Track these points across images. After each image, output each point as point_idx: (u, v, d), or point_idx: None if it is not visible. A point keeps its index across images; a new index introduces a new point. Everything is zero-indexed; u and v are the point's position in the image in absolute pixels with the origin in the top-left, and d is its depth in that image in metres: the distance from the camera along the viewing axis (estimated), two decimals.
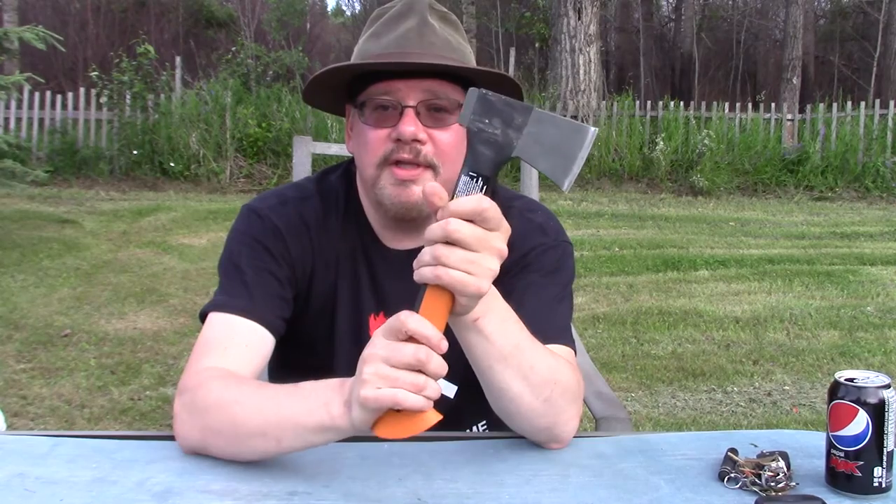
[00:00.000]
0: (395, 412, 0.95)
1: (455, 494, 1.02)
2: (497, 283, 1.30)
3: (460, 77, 1.26)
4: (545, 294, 1.28)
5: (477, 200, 0.93)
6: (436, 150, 1.23)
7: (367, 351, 0.96)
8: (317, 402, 1.01)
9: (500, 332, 1.06)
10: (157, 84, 10.83)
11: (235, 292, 1.24)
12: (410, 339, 0.94)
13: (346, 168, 1.39)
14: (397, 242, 1.33)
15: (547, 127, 0.95)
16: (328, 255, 1.32)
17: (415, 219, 1.27)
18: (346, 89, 1.30)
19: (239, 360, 1.18)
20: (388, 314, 1.30)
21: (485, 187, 0.95)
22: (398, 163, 1.22)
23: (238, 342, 1.20)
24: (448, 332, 1.31)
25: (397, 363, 0.93)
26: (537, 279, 1.28)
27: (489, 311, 1.03)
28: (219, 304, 1.24)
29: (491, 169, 0.96)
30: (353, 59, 1.29)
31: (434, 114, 1.23)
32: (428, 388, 0.93)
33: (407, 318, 0.94)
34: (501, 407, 1.12)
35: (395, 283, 1.32)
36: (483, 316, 1.03)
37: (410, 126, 1.20)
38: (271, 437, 1.05)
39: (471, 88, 0.97)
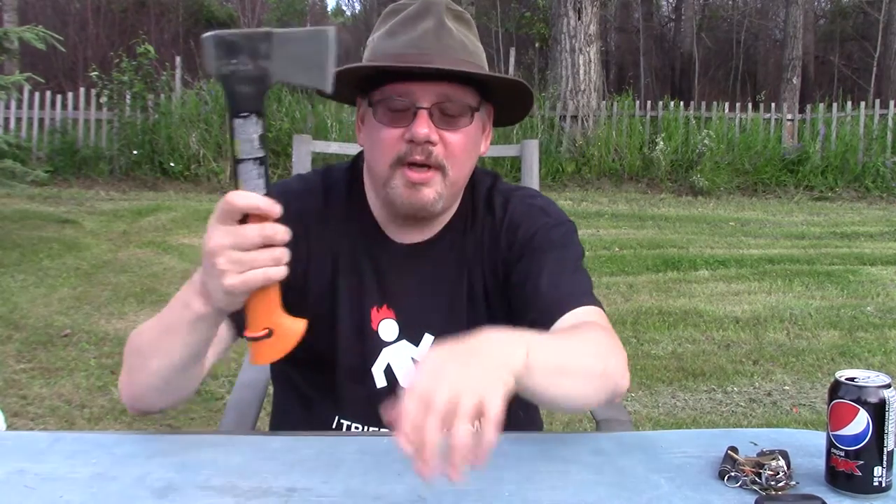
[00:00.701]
0: (260, 340, 0.99)
1: (455, 491, 1.02)
2: (510, 269, 1.32)
3: (474, 80, 1.27)
4: (560, 267, 1.29)
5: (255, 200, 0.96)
6: (446, 152, 1.24)
7: (212, 243, 0.96)
8: (178, 306, 1.05)
9: (544, 378, 0.99)
10: (157, 84, 10.83)
11: None
12: (244, 219, 0.95)
13: (352, 164, 1.41)
14: (402, 236, 1.34)
15: (291, 45, 0.96)
16: (327, 248, 1.33)
17: (424, 218, 1.30)
18: (359, 83, 1.31)
19: None
20: (391, 306, 1.33)
21: (259, 120, 0.96)
22: (410, 164, 1.24)
23: None
24: (453, 321, 1.32)
25: (249, 246, 0.95)
26: (549, 257, 1.30)
27: (532, 368, 0.96)
28: None
29: (257, 103, 0.96)
30: (368, 56, 1.30)
31: (447, 116, 1.24)
32: (284, 257, 0.97)
33: (235, 198, 0.95)
34: (567, 410, 1.13)
35: (399, 276, 1.33)
36: (527, 374, 0.95)
37: (424, 128, 1.21)
38: (163, 353, 1.10)
39: (203, 36, 0.96)
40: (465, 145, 1.26)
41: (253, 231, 0.95)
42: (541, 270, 1.28)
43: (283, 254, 0.97)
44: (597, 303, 1.27)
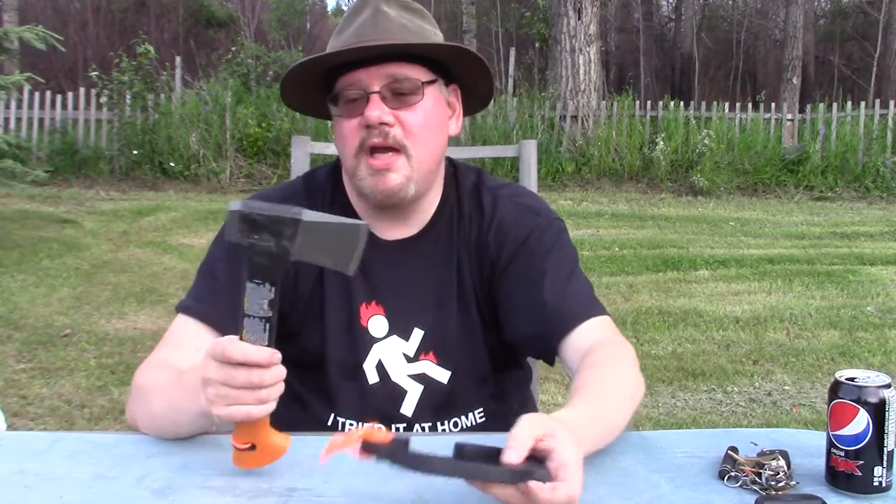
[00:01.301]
0: (243, 451, 1.03)
1: (456, 492, 1.02)
2: (497, 272, 1.34)
3: (425, 57, 1.29)
4: (559, 275, 1.31)
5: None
6: (405, 132, 1.26)
7: (205, 373, 1.00)
8: (191, 393, 1.06)
9: (597, 443, 1.08)
10: (157, 84, 10.83)
11: (204, 298, 1.30)
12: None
13: (335, 164, 1.42)
14: (387, 232, 1.35)
15: (318, 233, 0.96)
16: None
17: (396, 205, 1.31)
18: (326, 90, 1.33)
19: (188, 359, 1.24)
20: (380, 302, 1.34)
21: (272, 288, 0.97)
22: (372, 151, 1.26)
23: (191, 345, 1.26)
24: (442, 315, 1.33)
25: (236, 386, 0.98)
26: (547, 264, 1.31)
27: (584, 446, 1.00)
28: (186, 307, 1.31)
29: (273, 274, 0.97)
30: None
31: (398, 96, 1.26)
32: (271, 398, 1.00)
33: (231, 351, 0.97)
34: None
35: (386, 272, 1.34)
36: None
37: (375, 110, 1.24)
38: (171, 421, 1.14)
39: (230, 209, 0.96)
40: (423, 122, 1.27)
41: (241, 375, 0.98)
42: (541, 283, 1.29)
43: (270, 394, 1.00)
44: (601, 309, 1.30)
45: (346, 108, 1.27)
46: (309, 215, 0.94)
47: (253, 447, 1.03)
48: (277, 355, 0.99)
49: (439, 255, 1.36)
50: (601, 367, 1.17)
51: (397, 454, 0.88)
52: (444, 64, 1.32)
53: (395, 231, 1.35)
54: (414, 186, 1.28)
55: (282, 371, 1.00)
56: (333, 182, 1.40)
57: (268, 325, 0.98)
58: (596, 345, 1.23)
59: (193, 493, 1.01)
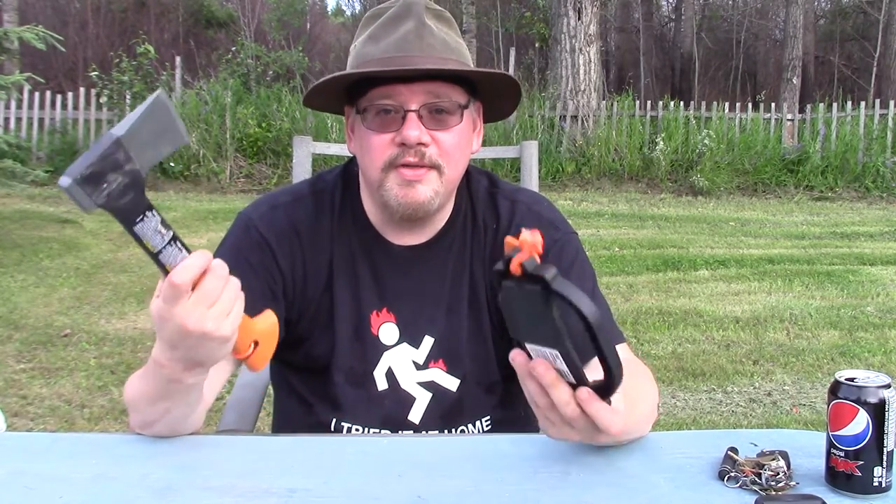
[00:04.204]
0: (252, 355, 1.06)
1: (455, 492, 1.02)
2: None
3: (460, 77, 1.26)
4: None
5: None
6: (440, 151, 1.23)
7: (191, 323, 0.96)
8: (164, 382, 1.06)
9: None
10: (157, 84, 10.83)
11: None
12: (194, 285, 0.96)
13: (344, 168, 1.40)
14: (400, 238, 1.34)
15: (140, 132, 0.94)
16: (322, 257, 1.32)
17: (421, 218, 1.29)
18: (346, 92, 1.30)
19: None
20: (391, 309, 1.32)
21: (153, 213, 0.96)
22: (404, 165, 1.23)
23: None
24: (452, 323, 1.32)
25: (218, 297, 0.97)
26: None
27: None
28: None
29: (142, 202, 0.96)
30: (351, 62, 1.28)
31: (436, 116, 1.23)
32: (239, 283, 0.99)
33: (178, 278, 0.95)
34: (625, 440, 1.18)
35: (398, 279, 1.33)
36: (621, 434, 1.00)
37: (414, 130, 1.20)
38: (165, 414, 1.12)
39: (63, 186, 0.91)
40: (457, 143, 1.25)
41: (213, 284, 0.96)
42: None
43: (237, 282, 0.99)
44: (622, 336, 1.30)
45: (376, 120, 1.23)
46: (119, 129, 0.93)
47: (257, 344, 1.06)
48: (207, 253, 0.97)
49: (452, 262, 1.34)
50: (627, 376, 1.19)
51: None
52: (478, 83, 1.29)
53: (407, 237, 1.33)
54: (438, 200, 1.26)
55: (222, 263, 0.99)
56: (343, 187, 1.37)
57: (178, 242, 0.97)
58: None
59: (193, 493, 1.01)
